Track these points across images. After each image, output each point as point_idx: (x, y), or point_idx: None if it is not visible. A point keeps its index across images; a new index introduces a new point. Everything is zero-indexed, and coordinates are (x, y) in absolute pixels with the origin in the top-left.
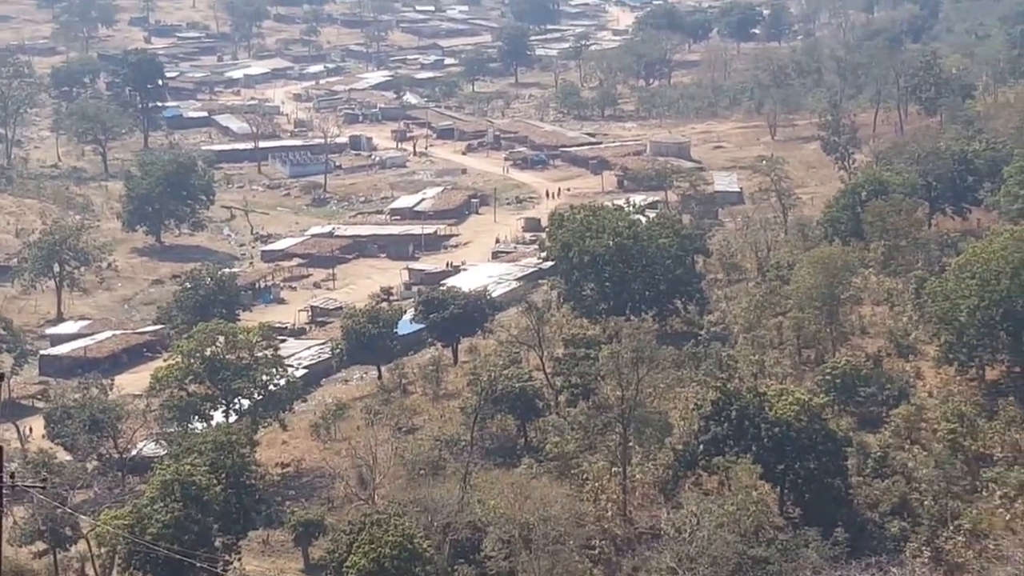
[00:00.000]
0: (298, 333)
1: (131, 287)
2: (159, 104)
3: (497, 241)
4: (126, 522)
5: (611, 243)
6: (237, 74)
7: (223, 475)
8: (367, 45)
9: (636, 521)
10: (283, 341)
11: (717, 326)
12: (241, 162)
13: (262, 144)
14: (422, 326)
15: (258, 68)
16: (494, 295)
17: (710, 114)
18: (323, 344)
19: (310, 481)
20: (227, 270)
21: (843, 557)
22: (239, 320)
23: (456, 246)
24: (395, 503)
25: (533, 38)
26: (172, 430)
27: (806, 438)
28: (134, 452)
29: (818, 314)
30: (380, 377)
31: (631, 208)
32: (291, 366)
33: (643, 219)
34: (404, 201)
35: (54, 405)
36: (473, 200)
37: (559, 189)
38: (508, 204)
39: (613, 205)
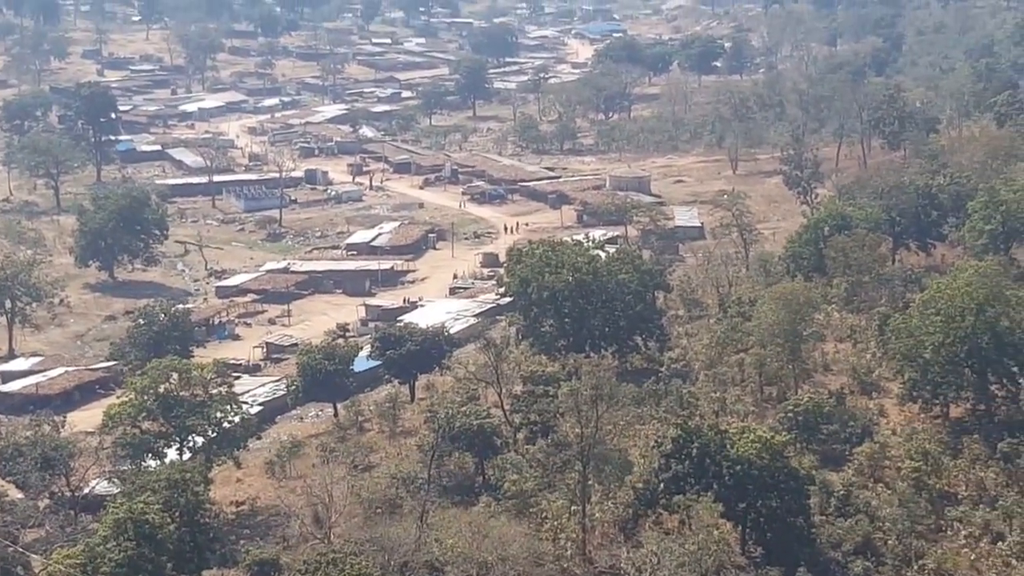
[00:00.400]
0: (253, 370)
1: (84, 323)
2: (112, 138)
3: (455, 277)
4: (79, 561)
5: (570, 279)
6: (191, 107)
7: (177, 513)
8: (323, 78)
9: (596, 561)
10: (238, 378)
11: (678, 363)
12: (195, 196)
13: (216, 178)
14: (379, 363)
15: (212, 101)
16: (452, 331)
17: (671, 148)
18: (278, 381)
19: (265, 520)
20: (181, 306)
21: None
22: (193, 357)
23: (413, 282)
24: (351, 542)
25: (491, 71)
26: (125, 468)
27: (768, 476)
28: (87, 490)
29: (780, 351)
30: (336, 414)
31: (590, 243)
32: (246, 403)
33: (603, 254)
34: (360, 236)
35: (5, 442)
36: (430, 235)
37: (517, 224)
38: (466, 239)
39: (572, 240)
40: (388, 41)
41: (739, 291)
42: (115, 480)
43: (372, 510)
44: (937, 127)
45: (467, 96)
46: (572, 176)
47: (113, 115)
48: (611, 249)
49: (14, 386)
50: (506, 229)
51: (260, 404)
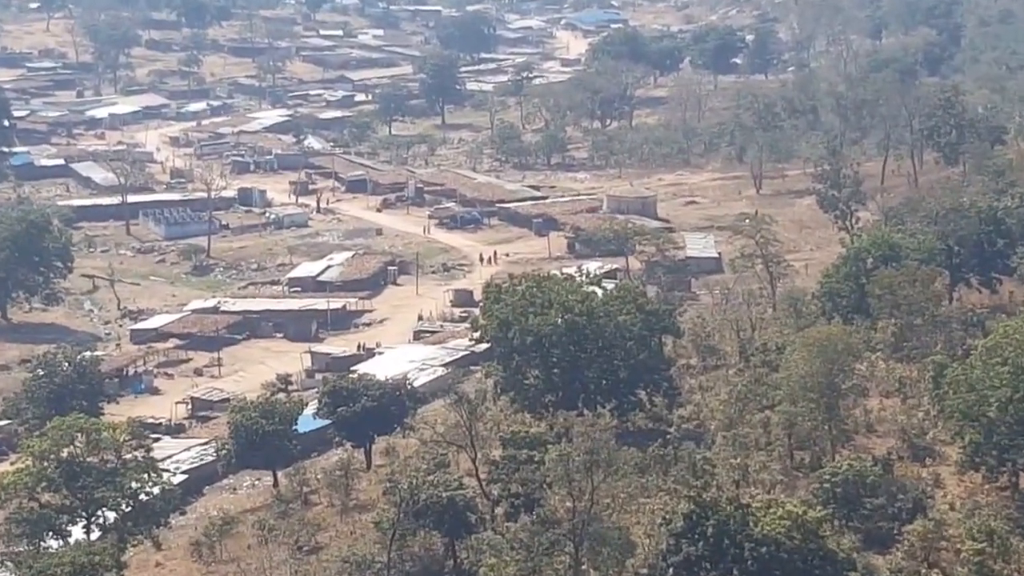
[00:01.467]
0: (175, 430)
1: None
2: (5, 149)
3: (420, 318)
4: None
5: (560, 321)
6: (101, 113)
7: None
8: (260, 78)
9: None
10: (157, 440)
11: (690, 422)
12: (106, 220)
13: (131, 199)
14: (328, 422)
15: (126, 106)
16: (416, 384)
17: (681, 162)
18: (206, 444)
19: None
20: (88, 353)
21: None
22: (103, 415)
23: (369, 324)
24: None
25: (464, 69)
26: (21, 549)
27: (799, 560)
28: None
29: (814, 408)
30: (276, 484)
31: (584, 278)
32: (167, 471)
33: (599, 291)
34: (305, 269)
35: None
36: (390, 268)
37: (495, 254)
38: (433, 272)
39: (562, 274)
40: (339, 33)
41: (764, 336)
42: (8, 564)
43: None
44: (1004, 138)
45: (434, 100)
46: (562, 196)
47: (6, 122)
48: (609, 285)
49: None
50: (482, 260)
51: (184, 472)
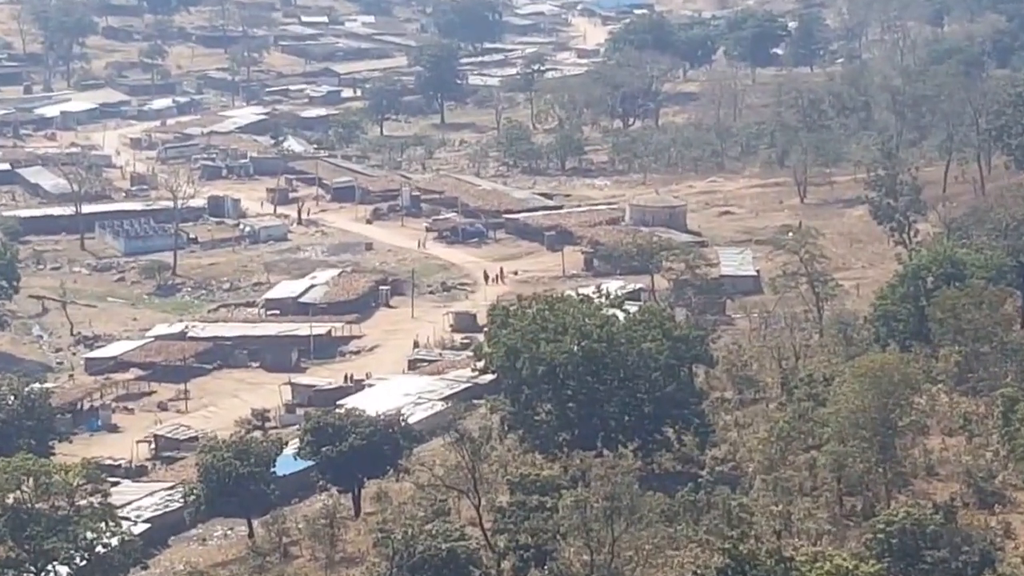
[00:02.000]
0: (137, 473)
1: None
2: None
3: (416, 345)
4: None
5: (576, 348)
6: (51, 111)
7: None
8: (233, 71)
9: None
10: (116, 484)
11: (725, 464)
12: (57, 233)
13: (86, 209)
14: (310, 464)
15: (81, 102)
16: (412, 421)
17: (714, 167)
18: (172, 489)
19: None
20: (37, 385)
21: None
22: (54, 455)
23: (358, 352)
24: None
25: (465, 61)
26: None
27: None
28: None
29: (867, 448)
30: (251, 535)
31: (604, 299)
32: (127, 519)
33: (621, 314)
34: (285, 289)
35: None
36: (382, 287)
37: (502, 271)
38: (431, 293)
39: (579, 295)
40: (323, 20)
41: (810, 365)
42: None
43: None
44: None
45: (432, 96)
46: (578, 206)
47: None
48: (632, 307)
49: None
50: (487, 279)
51: (147, 520)
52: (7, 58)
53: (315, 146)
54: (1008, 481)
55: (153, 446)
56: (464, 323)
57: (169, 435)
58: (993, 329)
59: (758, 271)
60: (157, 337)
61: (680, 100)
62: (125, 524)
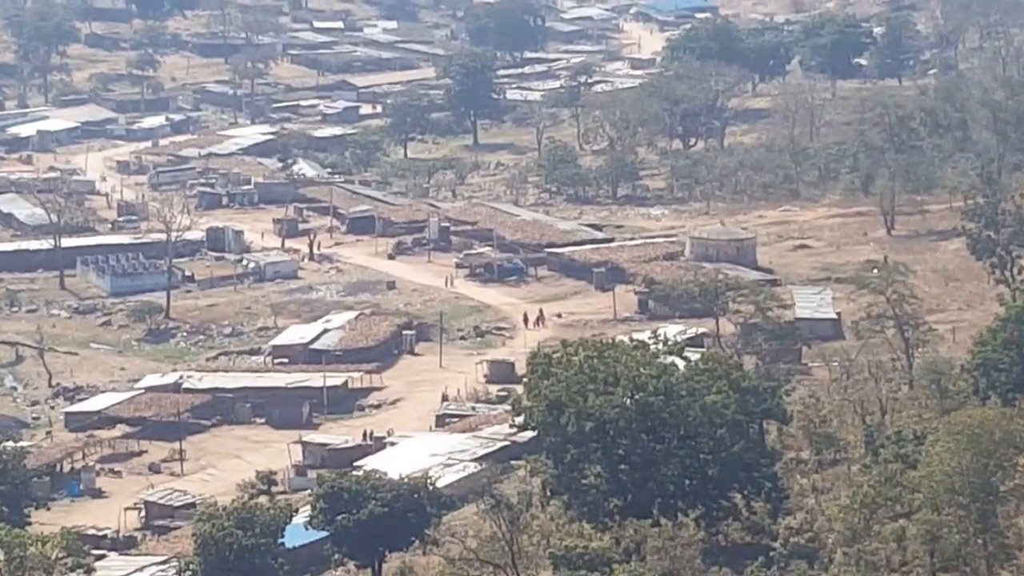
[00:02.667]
0: (125, 544)
1: None
2: None
3: (445, 398)
4: None
5: (629, 401)
6: (26, 130)
7: None
8: (235, 84)
9: None
10: (101, 558)
11: (801, 535)
12: (33, 271)
13: (66, 242)
14: (324, 534)
15: (60, 120)
16: (440, 485)
17: (788, 194)
18: (164, 563)
19: None
20: (11, 444)
21: None
22: (29, 524)
23: (378, 406)
24: None
25: (502, 73)
26: None
27: None
28: None
29: (964, 516)
30: None
31: (661, 345)
32: None
33: (681, 363)
34: (295, 334)
35: None
36: (406, 332)
37: (542, 313)
38: (463, 339)
39: (632, 340)
40: (339, 25)
41: (898, 421)
42: None
43: None
44: None
45: (464, 113)
46: (631, 239)
47: None
48: (694, 355)
49: None
50: (526, 322)
51: None
52: None
53: (329, 170)
54: None
55: (143, 514)
56: (500, 373)
57: (162, 501)
58: None
59: (839, 313)
60: (148, 389)
61: (749, 117)
62: None
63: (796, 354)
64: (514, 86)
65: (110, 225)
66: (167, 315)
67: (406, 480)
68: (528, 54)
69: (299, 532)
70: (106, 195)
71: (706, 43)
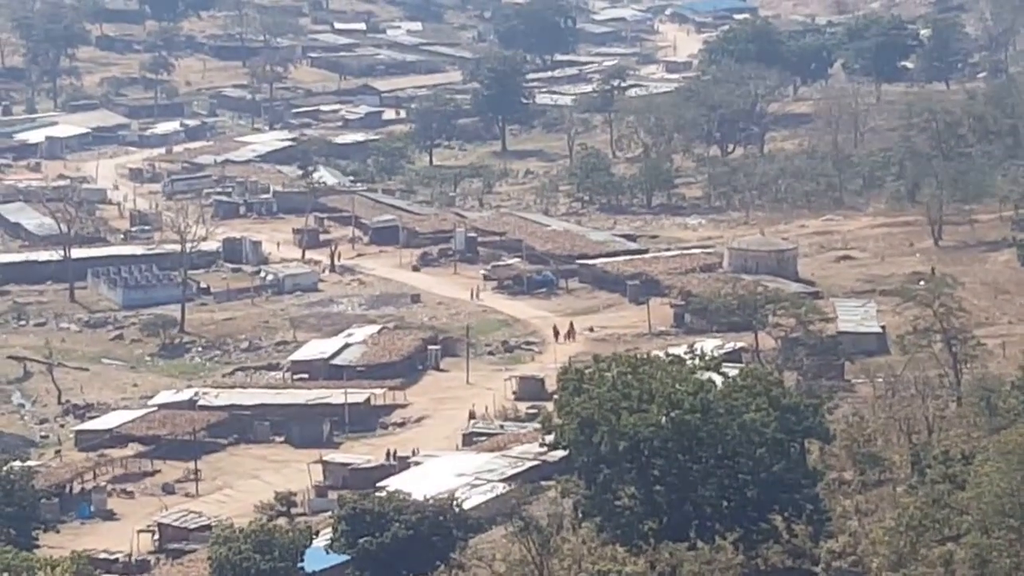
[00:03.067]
0: (138, 569)
1: None
2: None
3: (472, 416)
4: None
5: (664, 420)
6: (35, 136)
7: None
8: (253, 88)
9: None
10: None
11: (844, 558)
12: (42, 282)
13: (76, 253)
14: (346, 558)
15: (70, 126)
16: (467, 506)
17: (831, 203)
18: None
19: None
20: (18, 463)
21: None
22: (38, 547)
23: (403, 424)
24: None
25: (532, 76)
26: None
27: None
28: None
29: (1015, 539)
30: None
31: (698, 361)
32: None
33: (718, 379)
34: (315, 349)
35: None
36: (431, 347)
37: (572, 327)
38: (490, 354)
39: (667, 355)
40: (361, 27)
41: (945, 440)
42: None
43: None
44: None
45: (492, 118)
46: (667, 249)
47: None
48: (732, 371)
49: None
50: (557, 336)
51: None
52: None
53: (351, 178)
54: None
55: (157, 536)
56: (530, 390)
57: (176, 523)
58: None
59: (883, 327)
60: (161, 406)
61: (790, 123)
62: None
63: (839, 370)
64: (544, 90)
65: (122, 235)
66: (182, 329)
67: (431, 501)
68: (559, 57)
69: (319, 556)
70: (118, 204)
71: (745, 45)
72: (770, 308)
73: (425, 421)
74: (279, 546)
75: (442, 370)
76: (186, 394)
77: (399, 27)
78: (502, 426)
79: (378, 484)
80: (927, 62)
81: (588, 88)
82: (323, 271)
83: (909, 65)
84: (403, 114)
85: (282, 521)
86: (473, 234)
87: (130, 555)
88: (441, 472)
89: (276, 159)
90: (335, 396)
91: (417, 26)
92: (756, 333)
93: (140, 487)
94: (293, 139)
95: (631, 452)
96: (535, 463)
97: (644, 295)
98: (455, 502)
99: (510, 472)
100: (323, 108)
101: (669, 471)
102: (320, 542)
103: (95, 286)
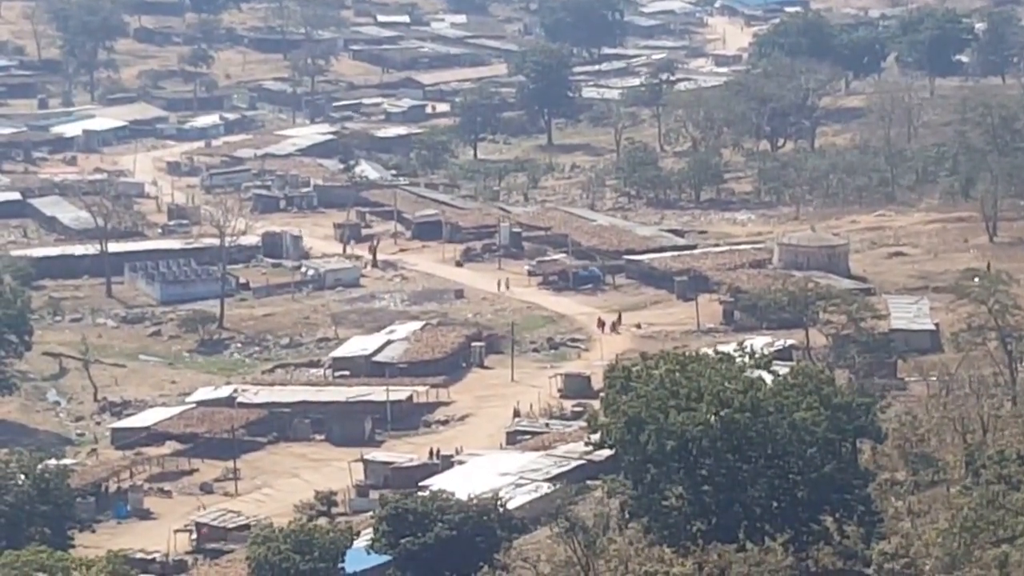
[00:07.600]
0: (175, 569)
1: None
2: None
3: (516, 414)
4: None
5: (713, 418)
6: (72, 129)
7: None
8: (294, 81)
9: None
10: None
11: (896, 560)
12: (79, 277)
13: (113, 247)
14: (387, 558)
15: (107, 119)
16: (511, 506)
17: (883, 198)
18: None
19: None
20: (54, 462)
21: None
22: (73, 546)
23: (446, 422)
24: None
25: (579, 70)
26: None
27: None
28: None
29: None
30: None
31: (748, 358)
32: None
33: (768, 377)
34: (356, 345)
35: None
36: (475, 344)
37: (619, 322)
38: (535, 351)
39: (716, 353)
40: (404, 19)
41: (1001, 440)
42: None
43: None
44: None
45: (538, 112)
46: (716, 245)
47: None
48: (783, 369)
49: None
50: (601, 326)
51: None
52: (18, 66)
53: (393, 172)
54: None
55: (195, 536)
56: (575, 387)
57: (214, 523)
58: None
59: (937, 325)
60: (199, 403)
61: (842, 117)
62: None
63: (891, 368)
64: (591, 84)
65: (160, 229)
66: (220, 325)
67: (475, 501)
68: (606, 50)
69: (360, 556)
70: (156, 198)
71: (796, 39)
72: (821, 305)
73: (469, 419)
74: (319, 546)
75: (486, 367)
76: (225, 391)
77: (443, 19)
78: (547, 424)
79: (420, 483)
80: (982, 56)
81: (636, 82)
82: (365, 266)
83: (964, 59)
84: (447, 108)
85: (322, 521)
86: (518, 229)
87: (167, 555)
88: (485, 471)
89: (317, 153)
90: (377, 394)
91: (461, 18)
92: (807, 330)
93: (177, 486)
94: (334, 133)
95: (679, 451)
96: (581, 462)
97: (692, 291)
98: (499, 502)
99: (555, 471)
100: (365, 101)
101: (718, 471)
102: (361, 542)
103: (132, 281)
